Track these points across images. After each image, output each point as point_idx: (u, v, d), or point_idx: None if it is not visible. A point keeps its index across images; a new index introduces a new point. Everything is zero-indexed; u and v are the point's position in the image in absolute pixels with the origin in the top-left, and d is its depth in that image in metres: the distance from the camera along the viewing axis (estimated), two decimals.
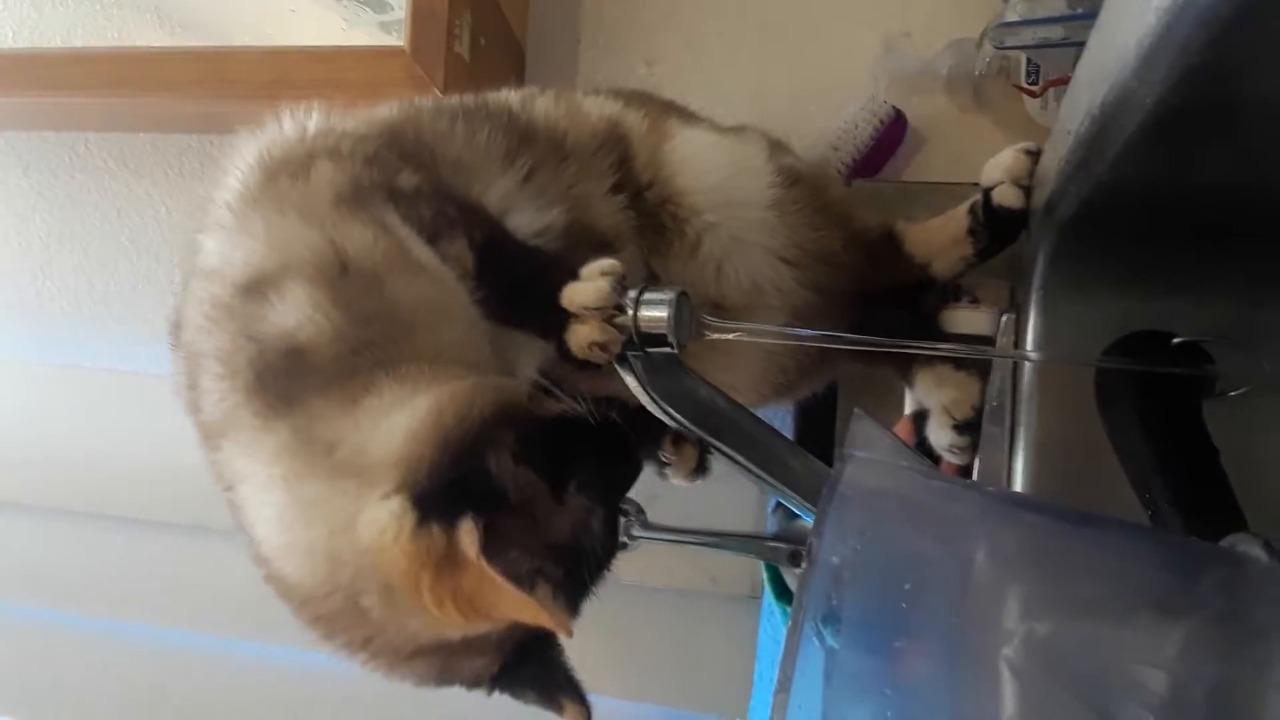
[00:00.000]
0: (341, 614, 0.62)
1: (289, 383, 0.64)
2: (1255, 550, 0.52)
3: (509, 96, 0.91)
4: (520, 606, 0.57)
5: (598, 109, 0.93)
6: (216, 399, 0.66)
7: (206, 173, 1.42)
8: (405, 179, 0.75)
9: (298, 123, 0.79)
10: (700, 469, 0.95)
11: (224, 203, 0.74)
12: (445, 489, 0.59)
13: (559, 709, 0.68)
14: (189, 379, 0.69)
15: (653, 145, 0.91)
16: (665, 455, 0.95)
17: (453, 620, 0.58)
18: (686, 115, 0.99)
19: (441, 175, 0.79)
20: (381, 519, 0.59)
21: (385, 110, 0.85)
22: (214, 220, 0.74)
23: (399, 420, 0.62)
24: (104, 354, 1.46)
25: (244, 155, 0.77)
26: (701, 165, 0.91)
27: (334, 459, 0.62)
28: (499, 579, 0.56)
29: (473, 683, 0.67)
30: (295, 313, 0.65)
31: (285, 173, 0.73)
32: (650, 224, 0.90)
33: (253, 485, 0.65)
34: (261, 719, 1.33)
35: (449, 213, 0.74)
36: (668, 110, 0.97)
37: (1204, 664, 0.47)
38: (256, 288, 0.66)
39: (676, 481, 0.96)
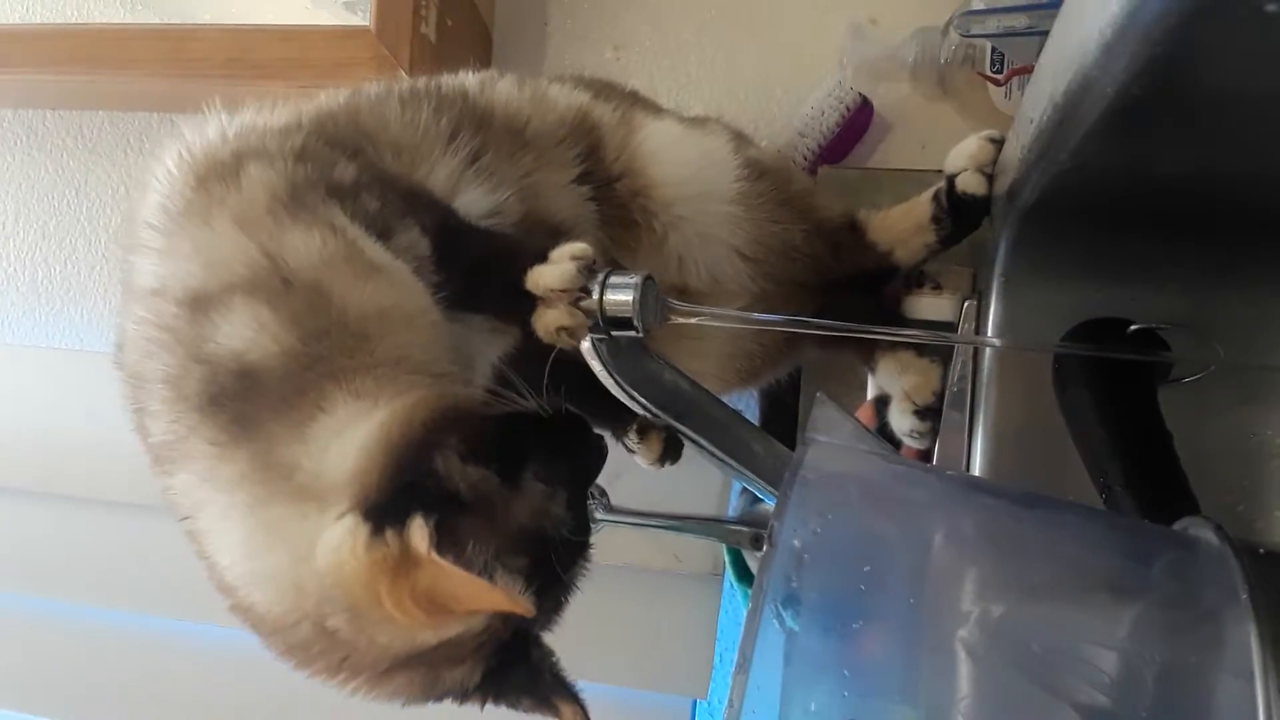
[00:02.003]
0: (312, 641, 0.61)
1: (243, 406, 0.62)
2: (1206, 534, 0.53)
3: (467, 80, 0.90)
4: (477, 594, 0.56)
5: (565, 98, 0.92)
6: (167, 424, 0.64)
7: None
8: (342, 170, 0.72)
9: (220, 123, 0.75)
10: (668, 455, 0.95)
11: (147, 221, 0.69)
12: (394, 497, 0.58)
13: (555, 712, 0.66)
14: (135, 401, 0.67)
15: (623, 137, 0.91)
16: (630, 444, 0.95)
17: (417, 621, 0.57)
18: (652, 107, 0.99)
19: (382, 161, 0.77)
20: (336, 538, 0.58)
21: (322, 99, 0.83)
22: (141, 240, 0.69)
23: (351, 439, 0.61)
24: (62, 334, 1.45)
25: (164, 163, 0.72)
26: (671, 157, 0.90)
27: (293, 483, 0.61)
28: (452, 568, 0.55)
29: (460, 695, 0.64)
30: (242, 332, 0.63)
31: (214, 178, 0.69)
32: (618, 216, 0.90)
33: (213, 513, 0.63)
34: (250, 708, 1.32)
35: (395, 201, 0.72)
36: (634, 102, 0.97)
37: (1154, 645, 0.48)
38: (199, 307, 0.64)
39: (644, 465, 0.96)
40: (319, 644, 0.61)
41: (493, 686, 0.65)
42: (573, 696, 0.66)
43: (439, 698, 0.64)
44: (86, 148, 1.44)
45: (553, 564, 0.63)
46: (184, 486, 0.64)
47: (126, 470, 1.22)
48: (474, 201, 0.80)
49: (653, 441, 0.94)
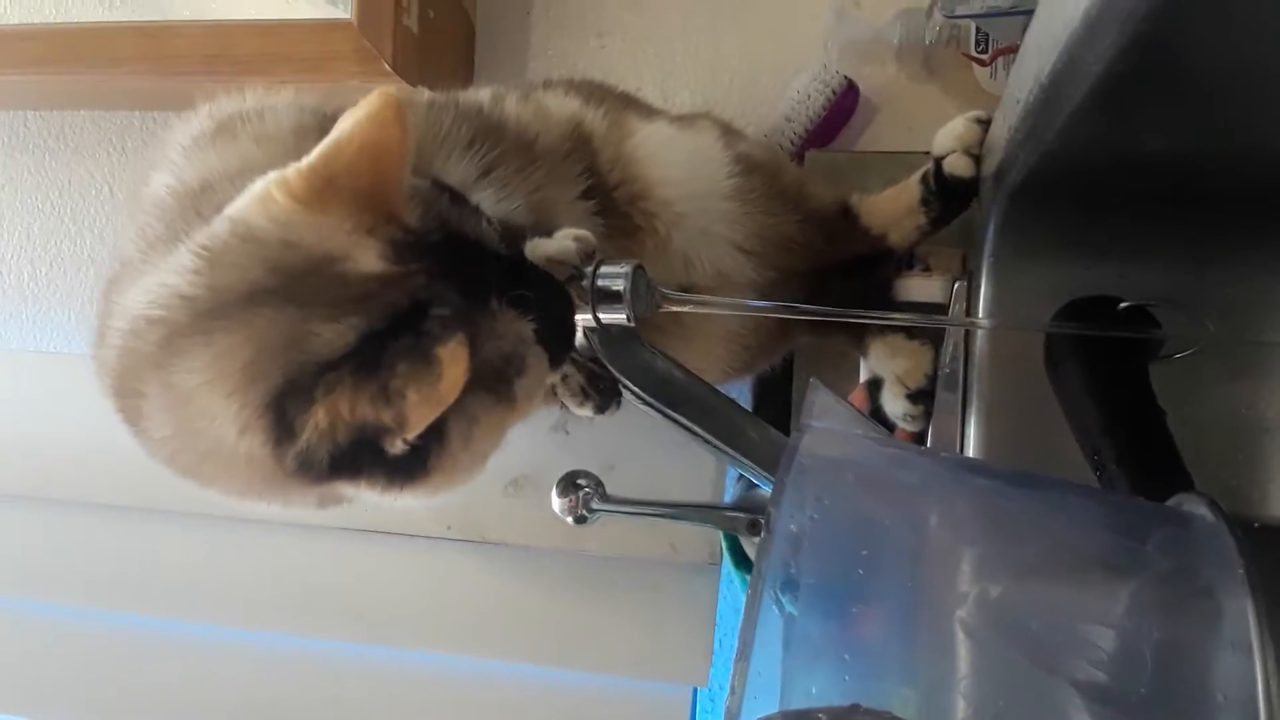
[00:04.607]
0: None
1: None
2: (1201, 510, 0.53)
3: (479, 95, 0.91)
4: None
5: (559, 108, 0.92)
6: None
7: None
8: None
9: (255, 93, 0.79)
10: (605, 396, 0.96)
11: (177, 144, 0.74)
12: None
13: (433, 362, 0.55)
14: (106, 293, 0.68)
15: (615, 143, 0.91)
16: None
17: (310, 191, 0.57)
18: (643, 109, 0.99)
19: None
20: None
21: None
22: (164, 158, 0.73)
23: None
24: (49, 338, 1.44)
25: (196, 117, 0.77)
26: (666, 159, 0.91)
27: None
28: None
29: (326, 365, 0.55)
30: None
31: (239, 120, 0.74)
32: (621, 225, 0.90)
33: None
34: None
35: None
36: (625, 105, 0.97)
37: (1151, 622, 0.48)
38: (204, 194, 0.65)
39: (582, 413, 0.97)
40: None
41: (366, 353, 0.55)
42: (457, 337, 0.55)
43: (297, 386, 0.55)
44: (69, 148, 1.43)
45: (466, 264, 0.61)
46: None
47: (115, 473, 1.22)
48: (485, 206, 0.80)
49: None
